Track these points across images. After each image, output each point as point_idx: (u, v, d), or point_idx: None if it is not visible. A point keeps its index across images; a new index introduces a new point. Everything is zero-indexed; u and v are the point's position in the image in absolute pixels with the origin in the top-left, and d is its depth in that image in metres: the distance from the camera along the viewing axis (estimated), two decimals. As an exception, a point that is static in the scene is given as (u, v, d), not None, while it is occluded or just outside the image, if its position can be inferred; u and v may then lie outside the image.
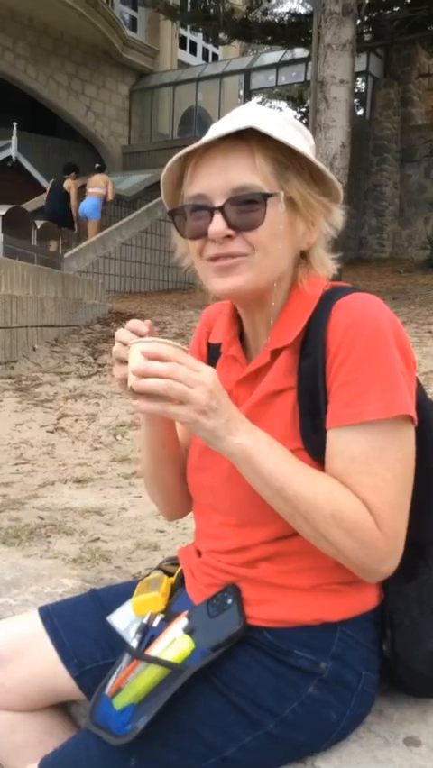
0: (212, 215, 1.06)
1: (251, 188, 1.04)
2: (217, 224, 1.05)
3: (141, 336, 1.06)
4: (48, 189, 13.94)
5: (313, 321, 1.10)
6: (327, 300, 1.09)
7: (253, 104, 1.15)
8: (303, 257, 1.15)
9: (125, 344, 1.06)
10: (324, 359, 1.06)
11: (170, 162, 1.09)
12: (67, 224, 13.87)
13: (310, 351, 1.08)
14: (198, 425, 0.99)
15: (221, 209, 1.05)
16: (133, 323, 1.08)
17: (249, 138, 1.04)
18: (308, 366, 1.08)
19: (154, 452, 1.28)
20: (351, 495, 1.02)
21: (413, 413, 1.03)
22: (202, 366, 0.99)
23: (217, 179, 1.06)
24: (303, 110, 18.48)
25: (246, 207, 1.05)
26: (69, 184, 13.74)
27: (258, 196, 1.04)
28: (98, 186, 13.42)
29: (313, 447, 1.07)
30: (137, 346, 1.00)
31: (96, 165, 14.23)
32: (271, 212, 1.05)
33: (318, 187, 1.10)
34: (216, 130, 1.06)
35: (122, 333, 1.08)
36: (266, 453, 1.02)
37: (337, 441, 1.04)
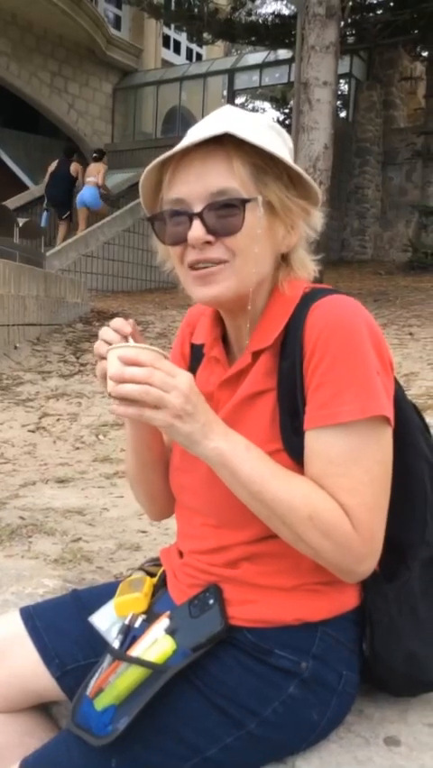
0: (191, 221, 1.06)
1: (229, 193, 1.05)
2: (196, 230, 1.05)
3: (124, 336, 1.07)
4: (48, 174, 13.30)
5: (292, 323, 1.10)
6: (306, 302, 1.10)
7: (229, 107, 1.15)
8: (283, 260, 1.15)
9: (108, 343, 1.06)
10: (301, 360, 1.07)
11: (147, 168, 1.09)
12: (70, 211, 13.39)
13: (289, 352, 1.09)
14: (173, 429, 1.00)
15: (200, 215, 1.05)
16: (116, 322, 1.08)
17: (226, 143, 1.04)
18: (287, 368, 1.09)
19: (139, 454, 1.28)
20: (328, 497, 1.03)
21: (389, 414, 1.03)
22: (179, 371, 1.00)
23: (196, 185, 1.06)
24: (286, 111, 18.54)
25: (225, 212, 1.05)
26: (77, 168, 13.20)
27: (236, 201, 1.04)
28: (93, 174, 13.20)
29: (293, 448, 1.08)
30: (114, 352, 1.01)
31: (94, 154, 13.90)
32: (250, 217, 1.06)
33: (297, 191, 1.11)
34: (194, 135, 1.06)
35: (105, 332, 1.08)
36: (243, 457, 1.03)
37: (315, 442, 1.05)
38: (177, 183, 1.07)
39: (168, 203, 1.09)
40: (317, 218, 1.15)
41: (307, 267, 1.17)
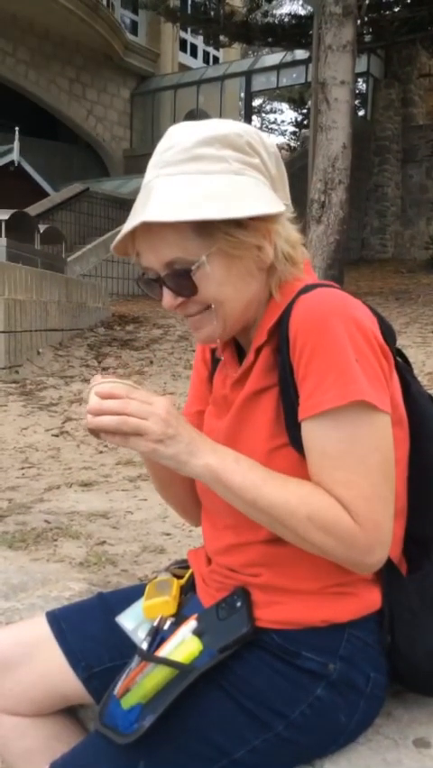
0: (161, 288, 1.11)
1: (176, 262, 1.07)
2: (167, 298, 1.11)
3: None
4: None
5: (283, 317, 1.11)
6: (296, 297, 1.11)
7: (173, 131, 1.12)
8: (269, 271, 1.14)
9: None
10: (288, 353, 1.08)
11: (112, 247, 1.12)
12: None
13: (281, 347, 1.10)
14: (157, 453, 1.03)
15: (164, 282, 1.10)
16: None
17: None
18: (282, 362, 1.10)
19: (156, 471, 1.32)
20: (324, 495, 1.02)
21: (373, 399, 1.02)
22: (155, 398, 1.04)
23: (151, 256, 1.09)
24: (304, 111, 18.50)
25: (179, 280, 1.08)
26: None
27: (181, 271, 1.07)
28: None
29: (298, 441, 1.08)
30: (92, 389, 1.06)
31: None
32: (202, 276, 1.07)
33: (253, 217, 1.07)
34: (133, 211, 1.08)
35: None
36: (233, 468, 1.04)
37: (309, 435, 1.05)
38: (141, 253, 1.11)
39: (142, 268, 1.14)
40: (288, 227, 1.14)
41: (297, 261, 1.15)
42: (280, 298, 1.14)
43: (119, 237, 1.09)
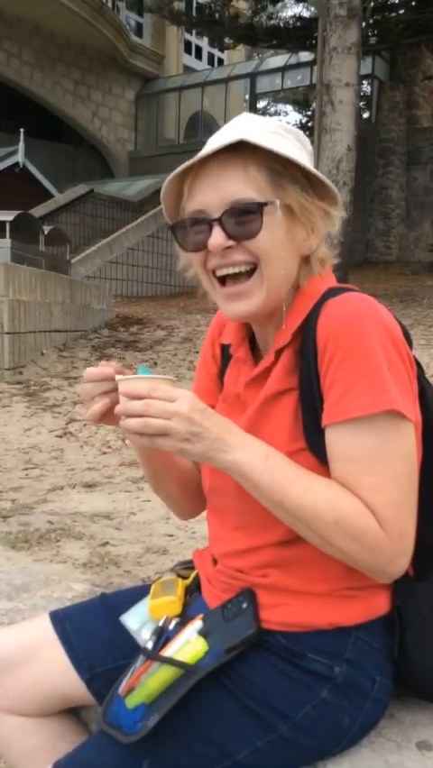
0: (211, 228, 1.08)
1: (246, 200, 1.06)
2: (217, 237, 1.08)
3: (109, 378, 1.11)
4: None
5: (309, 321, 1.11)
6: (323, 300, 1.10)
7: (247, 114, 1.17)
8: (304, 260, 1.15)
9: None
10: (315, 358, 1.07)
11: (167, 180, 1.11)
12: None
13: (306, 351, 1.09)
14: (184, 452, 1.02)
15: (219, 221, 1.07)
16: (92, 371, 1.13)
17: (242, 150, 1.06)
18: (306, 366, 1.09)
19: (151, 465, 1.30)
20: (352, 498, 1.02)
21: (403, 409, 1.02)
22: (178, 394, 1.01)
23: (214, 194, 1.08)
24: (309, 113, 18.51)
25: (243, 218, 1.06)
26: None
27: (254, 206, 1.06)
28: None
29: (316, 447, 1.07)
30: (119, 386, 1.05)
31: None
32: (269, 220, 1.07)
33: (316, 193, 1.11)
34: (211, 144, 1.08)
35: (88, 376, 1.14)
36: (262, 467, 1.03)
37: (335, 441, 1.04)
38: (196, 193, 1.10)
39: (189, 212, 1.12)
40: (337, 219, 1.15)
41: (326, 264, 1.17)
42: (299, 302, 1.14)
43: (203, 154, 1.06)
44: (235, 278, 1.11)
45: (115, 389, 1.08)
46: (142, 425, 0.99)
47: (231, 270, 1.11)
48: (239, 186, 1.06)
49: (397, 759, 1.10)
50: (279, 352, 1.15)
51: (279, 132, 1.11)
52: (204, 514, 1.35)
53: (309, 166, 1.10)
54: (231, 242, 1.08)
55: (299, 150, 1.12)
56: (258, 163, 1.06)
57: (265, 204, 1.06)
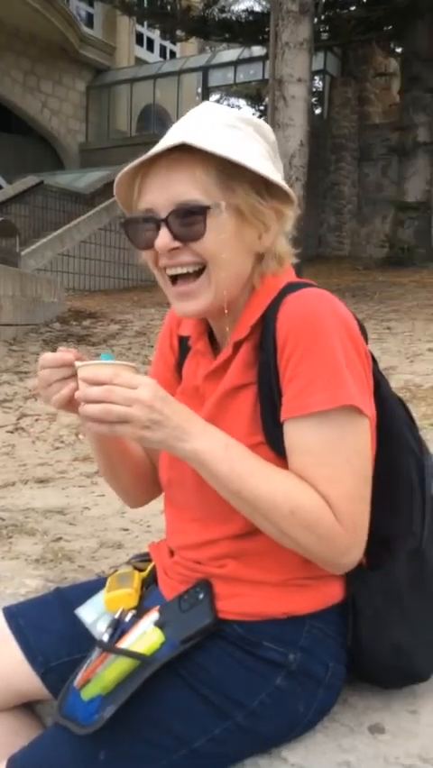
0: (158, 228, 1.08)
1: (191, 202, 1.06)
2: (163, 238, 1.08)
3: (68, 364, 1.10)
4: None
5: (268, 316, 1.11)
6: (282, 295, 1.11)
7: (209, 104, 1.16)
8: (260, 258, 1.16)
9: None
10: (274, 353, 1.08)
11: (117, 178, 1.11)
12: None
13: (265, 345, 1.10)
14: (144, 439, 1.02)
15: (165, 221, 1.08)
16: (48, 356, 1.12)
17: (192, 149, 1.05)
18: (264, 360, 1.10)
19: (105, 454, 1.30)
20: (309, 490, 1.03)
21: (360, 404, 1.04)
22: (139, 381, 1.01)
23: (161, 194, 1.08)
24: (261, 108, 18.55)
25: (188, 220, 1.07)
26: None
27: (197, 209, 1.06)
28: None
29: (274, 441, 1.08)
30: (79, 372, 1.04)
31: None
32: (214, 222, 1.07)
33: (270, 191, 1.11)
34: (163, 141, 1.08)
35: (44, 361, 1.12)
36: (221, 457, 1.04)
37: (293, 435, 1.06)
38: (145, 191, 1.10)
39: (139, 210, 1.12)
40: (292, 218, 1.16)
41: (284, 260, 1.17)
42: (257, 296, 1.14)
43: (144, 157, 1.06)
44: (185, 277, 1.12)
45: (73, 376, 1.08)
46: (103, 411, 0.99)
47: (179, 271, 1.11)
48: (186, 187, 1.07)
49: (350, 743, 1.13)
50: (237, 345, 1.15)
51: (236, 125, 1.11)
52: (159, 507, 1.35)
53: (262, 164, 1.09)
54: (177, 244, 1.08)
55: (255, 144, 1.11)
56: (205, 165, 1.06)
57: (208, 207, 1.06)
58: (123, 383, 1.00)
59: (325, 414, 1.02)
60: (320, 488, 1.03)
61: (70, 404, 1.10)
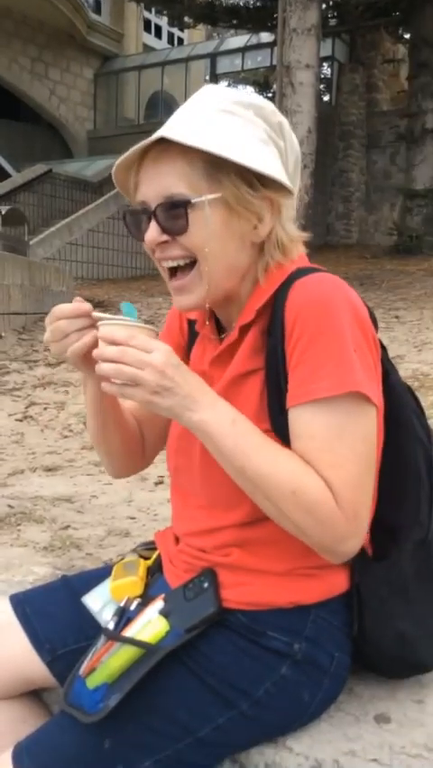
0: (149, 221, 1.09)
1: (176, 196, 1.06)
2: (151, 231, 1.09)
3: (86, 314, 1.09)
4: None
5: (277, 300, 1.10)
6: (290, 280, 1.10)
7: (208, 87, 1.15)
8: (261, 248, 1.14)
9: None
10: (282, 338, 1.07)
11: (113, 173, 1.11)
12: None
13: (273, 330, 1.09)
14: (152, 405, 1.02)
15: (154, 215, 1.08)
16: (64, 308, 1.11)
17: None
18: (272, 346, 1.09)
19: (100, 417, 1.28)
20: (313, 473, 1.02)
21: (367, 391, 1.03)
22: (154, 346, 1.01)
23: (151, 187, 1.08)
24: (270, 95, 18.41)
25: (173, 213, 1.06)
26: None
27: (179, 203, 1.06)
28: None
29: (280, 428, 1.08)
30: (99, 328, 1.04)
31: None
32: (198, 215, 1.06)
33: (263, 181, 1.09)
34: (158, 130, 1.07)
35: (60, 311, 1.11)
36: (227, 431, 1.03)
37: (297, 420, 1.05)
38: (140, 185, 1.10)
39: (136, 202, 1.12)
40: (287, 205, 1.13)
41: (288, 250, 1.15)
42: (265, 283, 1.13)
43: (127, 153, 1.06)
44: (182, 270, 1.12)
45: (90, 327, 1.08)
46: (115, 370, 0.99)
47: (171, 264, 1.11)
48: (172, 179, 1.06)
49: (355, 732, 1.13)
50: (244, 329, 1.15)
51: (233, 110, 1.09)
52: (166, 495, 1.35)
53: (254, 151, 1.07)
54: (165, 237, 1.08)
55: (253, 128, 1.09)
56: (191, 156, 1.05)
57: (189, 201, 1.05)
58: (138, 345, 1.00)
59: (331, 400, 1.02)
60: (323, 473, 1.02)
61: (85, 358, 1.10)
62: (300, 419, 1.04)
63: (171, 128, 1.06)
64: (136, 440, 1.34)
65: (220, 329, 1.23)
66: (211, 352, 1.20)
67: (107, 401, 1.25)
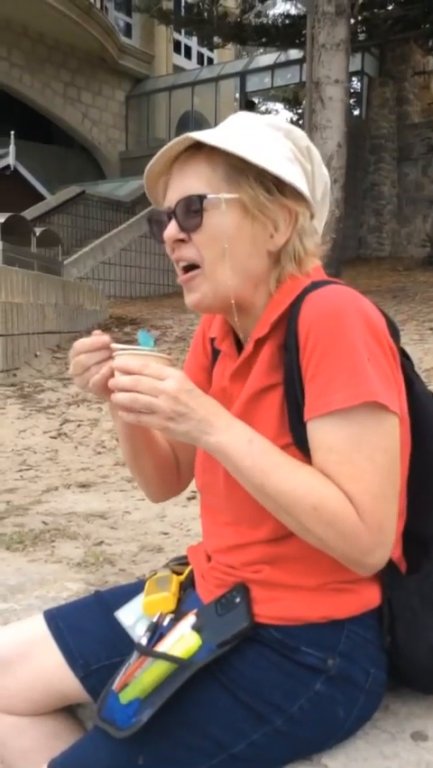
0: (169, 221, 1.12)
1: (194, 192, 1.09)
2: (170, 228, 1.12)
3: (104, 346, 1.11)
4: None
5: (291, 314, 1.10)
6: (304, 294, 1.10)
7: (240, 113, 1.19)
8: (278, 258, 1.14)
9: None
10: (297, 353, 1.07)
11: (144, 180, 1.16)
12: None
13: (289, 344, 1.09)
14: (169, 430, 1.03)
15: (174, 213, 1.11)
16: (84, 342, 1.13)
17: (205, 148, 1.09)
18: (289, 360, 1.09)
19: (130, 443, 1.29)
20: (333, 487, 1.01)
21: (385, 400, 1.01)
22: (168, 373, 1.03)
23: (177, 190, 1.12)
24: (299, 111, 18.50)
25: (190, 209, 1.09)
26: None
27: (196, 198, 1.09)
28: None
29: (301, 442, 1.07)
30: (114, 359, 1.07)
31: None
32: (213, 213, 1.09)
33: (282, 191, 1.10)
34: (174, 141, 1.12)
35: (81, 346, 1.13)
36: (244, 451, 1.03)
37: (315, 433, 1.04)
38: (169, 188, 1.15)
39: (163, 211, 1.16)
40: (305, 216, 1.13)
41: (304, 263, 1.15)
42: (278, 294, 1.13)
43: (158, 156, 1.11)
44: (192, 268, 1.14)
45: (110, 358, 1.10)
46: (130, 399, 1.02)
47: (183, 264, 1.14)
48: (194, 181, 1.10)
49: (392, 750, 1.11)
50: (259, 343, 1.15)
51: (262, 128, 1.13)
52: (198, 511, 1.35)
53: (276, 162, 1.09)
54: (182, 235, 1.11)
55: (279, 146, 1.12)
56: (213, 159, 1.09)
57: (204, 197, 1.08)
58: (151, 374, 1.02)
59: (347, 411, 1.01)
60: (343, 486, 1.01)
61: (107, 388, 1.11)
62: (318, 432, 1.04)
63: (198, 133, 1.09)
64: (170, 464, 1.35)
65: (240, 346, 1.24)
66: (230, 368, 1.21)
67: (137, 427, 1.26)
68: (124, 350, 1.07)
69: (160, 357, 1.06)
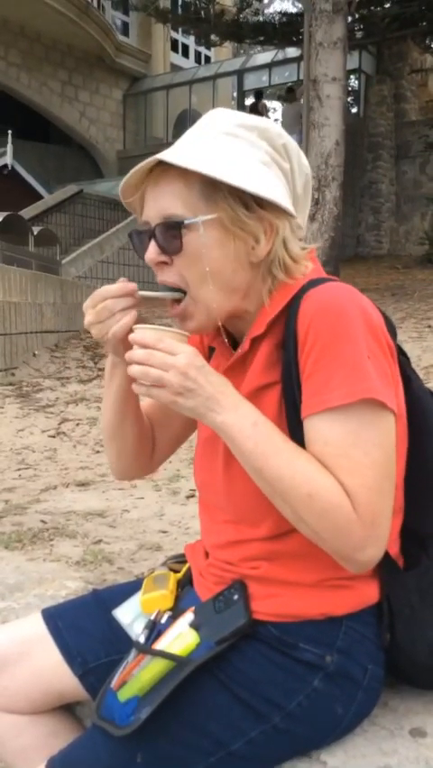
0: (149, 240, 1.11)
1: (173, 217, 1.08)
2: (151, 252, 1.11)
3: (130, 293, 1.12)
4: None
5: (289, 313, 1.10)
6: (302, 292, 1.10)
7: (215, 111, 1.16)
8: (265, 268, 1.13)
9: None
10: (295, 350, 1.07)
11: (120, 194, 1.15)
12: None
13: (286, 343, 1.09)
14: (177, 405, 1.04)
15: (153, 235, 1.10)
16: (113, 288, 1.13)
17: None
18: (287, 359, 1.09)
19: (120, 411, 1.28)
20: (330, 476, 1.01)
21: (382, 397, 1.01)
22: (180, 349, 1.03)
23: (152, 207, 1.11)
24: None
25: (169, 234, 1.08)
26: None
27: (174, 223, 1.07)
28: None
29: (299, 441, 1.07)
30: (133, 333, 1.08)
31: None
32: (192, 236, 1.07)
33: (260, 203, 1.08)
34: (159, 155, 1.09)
35: (107, 292, 1.13)
36: (248, 433, 1.03)
37: (312, 429, 1.04)
38: (144, 205, 1.13)
39: (141, 223, 1.14)
40: (284, 226, 1.11)
41: (292, 271, 1.13)
42: (269, 303, 1.13)
43: (131, 174, 1.10)
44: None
45: (134, 306, 1.12)
46: (142, 372, 1.03)
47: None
48: (170, 200, 1.08)
49: (391, 746, 1.11)
50: (255, 341, 1.14)
51: (236, 132, 1.10)
52: (197, 509, 1.35)
53: (252, 173, 1.07)
54: (164, 257, 1.10)
55: (255, 150, 1.10)
56: (188, 177, 1.06)
57: (182, 222, 1.07)
58: (164, 348, 1.03)
59: (346, 408, 1.01)
60: (339, 476, 1.01)
61: (124, 342, 1.11)
62: (315, 428, 1.04)
63: (172, 150, 1.08)
64: (148, 439, 1.35)
65: (236, 344, 1.23)
66: (224, 365, 1.20)
67: (131, 393, 1.25)
68: (143, 327, 1.08)
69: (177, 333, 1.07)
